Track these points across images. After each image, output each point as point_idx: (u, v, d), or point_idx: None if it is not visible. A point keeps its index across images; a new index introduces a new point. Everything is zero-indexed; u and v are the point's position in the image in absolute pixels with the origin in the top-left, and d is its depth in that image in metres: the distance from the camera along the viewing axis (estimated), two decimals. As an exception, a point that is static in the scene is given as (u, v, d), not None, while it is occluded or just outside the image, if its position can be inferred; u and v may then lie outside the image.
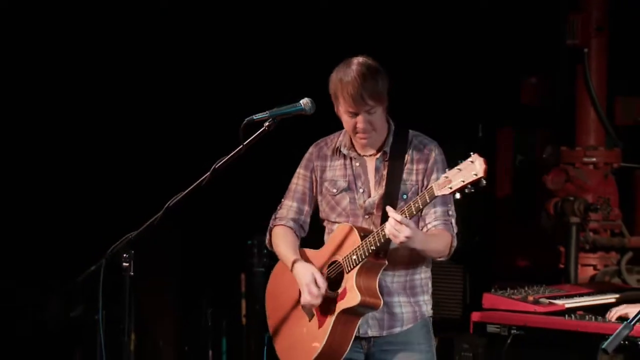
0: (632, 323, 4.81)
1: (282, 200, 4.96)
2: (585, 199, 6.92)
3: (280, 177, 5.18)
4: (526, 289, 6.07)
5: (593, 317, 5.60)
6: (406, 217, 4.50)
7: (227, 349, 7.70)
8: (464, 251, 4.88)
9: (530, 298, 5.89)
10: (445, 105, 7.12)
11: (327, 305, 4.72)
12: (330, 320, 4.69)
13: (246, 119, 4.47)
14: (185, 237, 7.60)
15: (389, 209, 4.54)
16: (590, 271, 6.97)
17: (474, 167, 4.32)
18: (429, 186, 4.47)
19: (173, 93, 7.60)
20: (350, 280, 4.65)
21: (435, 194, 4.42)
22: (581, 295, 6.08)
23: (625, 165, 7.15)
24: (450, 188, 4.38)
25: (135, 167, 7.56)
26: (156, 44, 7.56)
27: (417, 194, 4.62)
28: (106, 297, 4.52)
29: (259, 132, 4.50)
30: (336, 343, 4.69)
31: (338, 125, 4.83)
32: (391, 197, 4.69)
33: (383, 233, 4.54)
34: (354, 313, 4.68)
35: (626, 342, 5.09)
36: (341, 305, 4.67)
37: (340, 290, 4.69)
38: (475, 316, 5.91)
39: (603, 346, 4.78)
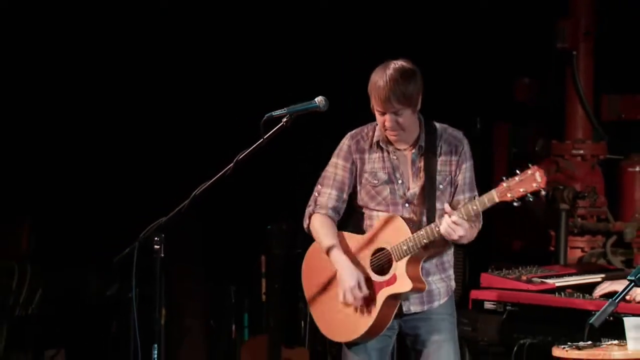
0: (617, 300, 4.79)
1: (319, 186, 4.89)
2: (574, 187, 6.90)
3: (295, 170, 5.17)
4: (520, 269, 6.06)
5: (581, 295, 5.58)
6: (463, 217, 4.51)
7: (249, 324, 7.70)
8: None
9: (524, 277, 5.87)
10: (447, 102, 7.10)
11: (373, 288, 4.71)
12: (379, 303, 4.69)
13: (266, 115, 4.47)
14: (211, 223, 7.59)
15: (446, 207, 4.54)
16: (578, 253, 6.95)
17: (534, 179, 4.38)
18: (487, 192, 4.49)
19: (205, 93, 7.59)
20: (400, 269, 4.65)
21: (497, 200, 4.46)
22: (570, 275, 6.06)
23: (611, 157, 7.13)
24: (511, 196, 4.41)
25: (166, 160, 7.57)
26: (183, 43, 7.56)
27: (450, 184, 4.70)
28: (139, 277, 4.52)
29: (277, 127, 4.49)
30: (380, 322, 4.71)
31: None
32: (430, 187, 4.69)
33: (437, 229, 4.56)
34: (399, 297, 4.71)
35: (611, 318, 5.07)
36: (391, 290, 4.67)
37: (389, 277, 4.68)
38: (474, 294, 5.90)
39: (590, 321, 4.76)
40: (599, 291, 5.46)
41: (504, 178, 4.46)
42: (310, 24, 7.44)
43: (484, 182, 4.80)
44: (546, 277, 5.93)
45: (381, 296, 4.68)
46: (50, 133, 7.53)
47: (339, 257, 4.75)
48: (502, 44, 7.21)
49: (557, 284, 5.83)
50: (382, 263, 4.73)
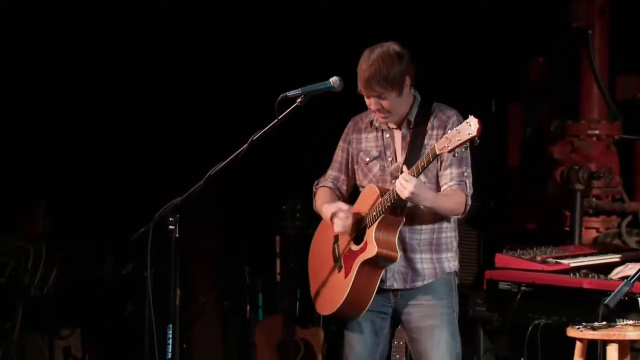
0: (632, 280, 4.79)
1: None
2: (588, 167, 6.88)
3: (310, 150, 5.18)
4: (535, 249, 6.05)
5: (596, 275, 5.58)
6: (414, 174, 4.50)
7: (263, 304, 7.72)
8: (479, 216, 4.87)
9: (539, 258, 5.87)
10: (461, 84, 7.08)
11: (352, 258, 4.74)
12: (354, 271, 4.71)
13: (280, 96, 4.47)
14: (225, 203, 7.60)
15: (403, 167, 4.54)
16: (593, 233, 6.93)
17: (469, 127, 4.33)
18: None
19: (222, 73, 7.60)
20: (370, 234, 4.67)
21: (437, 152, 4.44)
22: (585, 255, 6.05)
23: (626, 137, 7.10)
24: (448, 147, 4.39)
25: (181, 140, 7.58)
26: (199, 25, 7.56)
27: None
28: (154, 257, 4.53)
29: (292, 107, 4.50)
30: (360, 292, 4.71)
31: (361, 101, 4.83)
32: (412, 160, 4.67)
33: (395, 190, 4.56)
34: (374, 265, 4.70)
35: (626, 298, 5.06)
36: (362, 257, 4.69)
37: (362, 244, 4.71)
38: (489, 274, 5.89)
39: (605, 302, 4.76)
40: (615, 274, 5.45)
41: (448, 130, 4.49)
42: (325, 7, 7.43)
43: (499, 163, 4.78)
44: (561, 257, 5.92)
45: (355, 264, 4.71)
46: (67, 114, 7.55)
47: (324, 207, 4.84)
48: (517, 23, 7.18)
49: (571, 265, 5.82)
50: (361, 230, 4.76)
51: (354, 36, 5.24)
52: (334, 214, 4.76)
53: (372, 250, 4.65)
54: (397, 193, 4.54)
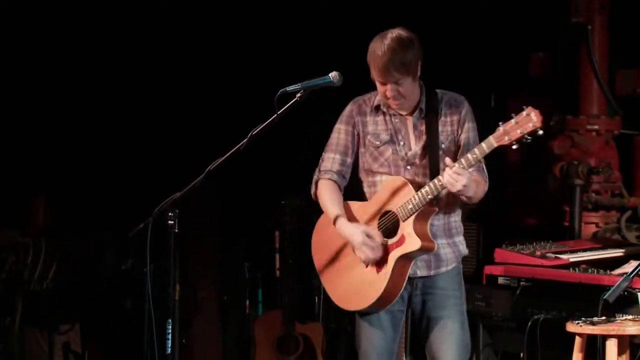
0: (631, 276, 4.80)
1: (324, 154, 4.92)
2: (588, 162, 6.88)
3: (309, 145, 5.17)
4: (534, 244, 6.06)
5: (595, 270, 5.58)
6: (464, 167, 4.47)
7: (263, 299, 7.72)
8: (479, 210, 4.86)
9: (538, 253, 5.87)
10: (461, 77, 7.08)
11: (383, 252, 4.70)
12: (390, 266, 4.66)
13: (280, 91, 4.47)
14: (225, 198, 7.60)
15: (447, 160, 4.51)
16: (592, 228, 6.94)
17: (530, 119, 4.33)
18: (485, 139, 4.45)
19: (222, 67, 7.60)
20: (407, 228, 4.63)
21: (495, 145, 4.41)
22: (584, 250, 6.06)
23: (625, 132, 7.10)
24: (509, 139, 4.36)
25: (181, 134, 7.57)
26: (198, 21, 7.55)
27: (454, 144, 4.69)
28: (153, 252, 4.52)
29: (291, 102, 4.50)
30: (393, 285, 4.68)
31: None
32: (432, 148, 4.68)
33: (440, 183, 4.53)
34: (410, 257, 4.68)
35: (625, 293, 5.07)
36: (401, 251, 4.65)
37: (397, 238, 4.67)
38: (488, 269, 5.90)
39: (605, 297, 4.77)
40: (618, 270, 5.46)
41: (501, 123, 4.41)
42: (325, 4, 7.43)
43: (499, 156, 4.78)
44: (560, 252, 5.92)
45: (392, 258, 4.67)
46: (66, 108, 7.55)
47: (342, 223, 4.76)
48: (517, 18, 7.17)
49: (571, 260, 5.82)
50: (389, 226, 4.72)
51: (354, 30, 5.24)
52: (364, 243, 4.66)
53: (415, 243, 4.61)
54: (441, 185, 4.51)
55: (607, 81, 7.02)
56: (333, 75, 4.55)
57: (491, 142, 4.43)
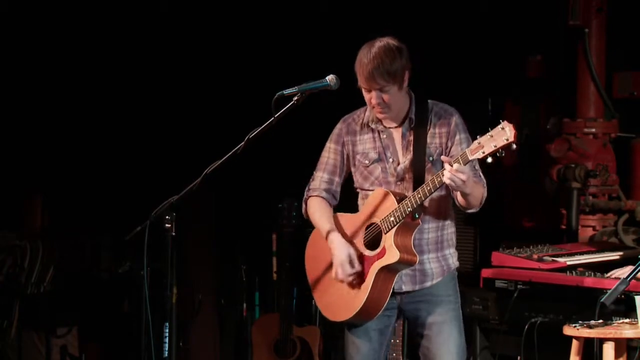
0: (628, 279, 4.80)
1: (314, 172, 4.96)
2: (585, 165, 6.88)
3: (307, 148, 5.17)
4: (531, 247, 6.06)
5: (592, 273, 5.58)
6: (460, 163, 4.45)
7: (260, 302, 7.72)
8: (476, 214, 4.86)
9: (535, 256, 5.87)
10: (458, 81, 7.09)
11: (366, 263, 4.73)
12: (371, 278, 4.69)
13: (277, 94, 4.47)
14: (222, 201, 7.60)
15: (443, 157, 4.51)
16: (589, 232, 6.94)
17: (504, 133, 4.33)
18: (461, 152, 4.46)
19: (220, 70, 7.60)
20: (388, 240, 4.65)
21: (470, 158, 4.42)
22: (581, 253, 6.06)
23: (622, 135, 7.10)
24: (483, 152, 4.38)
25: (178, 138, 7.58)
26: (195, 22, 7.56)
27: (442, 154, 4.65)
28: (151, 255, 4.53)
29: (288, 105, 4.50)
30: (376, 297, 4.71)
31: (360, 99, 4.82)
32: (419, 160, 4.69)
33: (419, 195, 4.54)
34: (392, 270, 4.69)
35: (622, 297, 5.07)
36: (381, 263, 4.67)
37: (379, 250, 4.69)
38: (485, 272, 5.90)
39: (602, 300, 4.77)
40: (614, 274, 5.46)
41: (478, 135, 4.43)
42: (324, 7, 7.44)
43: (496, 160, 4.77)
44: (557, 255, 5.92)
45: (372, 270, 4.69)
46: (64, 111, 7.55)
47: (333, 237, 4.80)
48: (514, 21, 7.18)
49: (568, 263, 5.83)
50: (374, 238, 4.74)
51: (351, 33, 5.24)
52: (343, 264, 4.71)
53: (394, 256, 4.63)
54: (419, 197, 4.54)
55: (604, 84, 7.02)
56: (330, 78, 4.55)
57: (466, 155, 4.44)
